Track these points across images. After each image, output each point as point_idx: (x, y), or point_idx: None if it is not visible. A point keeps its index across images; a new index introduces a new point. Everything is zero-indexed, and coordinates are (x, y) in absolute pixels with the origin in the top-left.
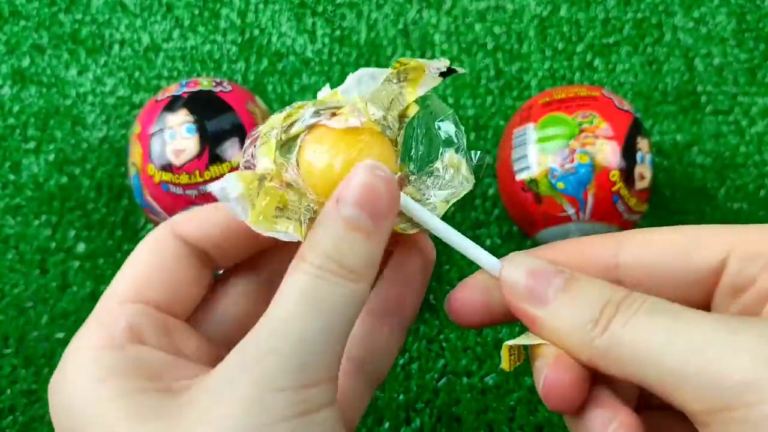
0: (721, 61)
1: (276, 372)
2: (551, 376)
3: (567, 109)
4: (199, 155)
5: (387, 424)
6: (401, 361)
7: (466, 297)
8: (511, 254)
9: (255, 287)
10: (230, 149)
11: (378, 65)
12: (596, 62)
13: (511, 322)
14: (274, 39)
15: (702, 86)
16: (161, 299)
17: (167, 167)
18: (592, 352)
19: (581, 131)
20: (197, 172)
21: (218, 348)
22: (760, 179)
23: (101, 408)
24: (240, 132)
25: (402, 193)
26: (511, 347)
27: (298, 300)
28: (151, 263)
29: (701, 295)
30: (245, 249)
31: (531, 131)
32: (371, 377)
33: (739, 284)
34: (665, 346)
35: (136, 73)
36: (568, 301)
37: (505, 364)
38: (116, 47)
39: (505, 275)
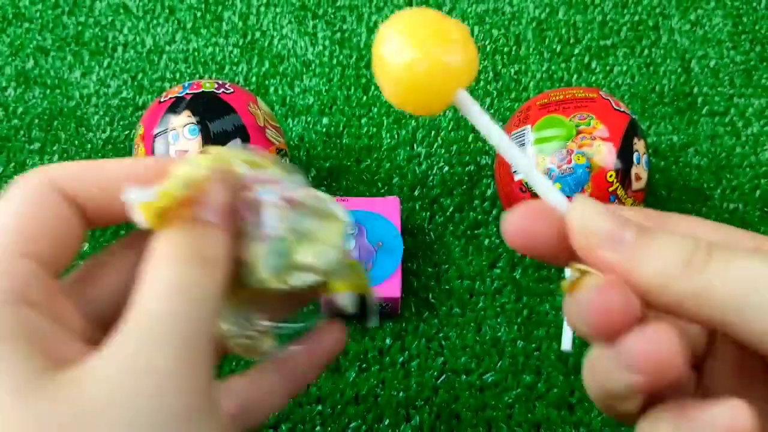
0: (718, 63)
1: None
2: (601, 295)
3: (564, 111)
4: None
5: (387, 422)
6: (401, 359)
7: (525, 224)
8: (577, 196)
9: (133, 261)
10: None
11: None
12: (593, 64)
13: (557, 264)
14: (275, 41)
15: (698, 88)
16: (46, 257)
17: None
18: (682, 293)
19: (578, 132)
20: None
21: (91, 322)
22: (756, 180)
23: None
24: (242, 133)
25: (467, 95)
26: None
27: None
28: (34, 214)
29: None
30: (121, 213)
31: (529, 132)
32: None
33: None
34: None
35: (140, 75)
36: (650, 245)
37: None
38: (120, 49)
39: (577, 214)
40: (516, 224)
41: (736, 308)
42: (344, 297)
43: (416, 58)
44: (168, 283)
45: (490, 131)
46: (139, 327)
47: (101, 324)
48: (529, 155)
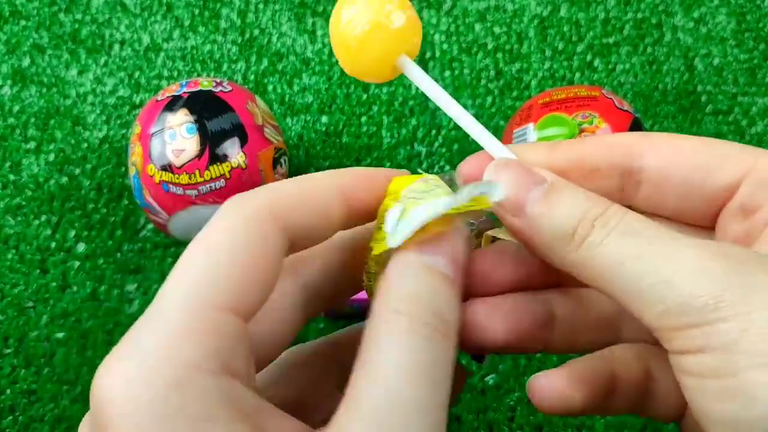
0: (721, 61)
1: None
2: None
3: (567, 109)
4: (199, 155)
5: None
6: None
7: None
8: (495, 160)
9: (294, 290)
10: (230, 149)
11: None
12: (596, 62)
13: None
14: (274, 39)
15: (702, 86)
16: (250, 308)
17: (167, 167)
18: (564, 263)
19: (581, 131)
20: (197, 172)
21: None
22: None
23: None
24: (240, 132)
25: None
26: (487, 236)
27: (408, 367)
28: (248, 254)
29: (709, 211)
30: (323, 236)
31: (531, 131)
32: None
33: (747, 207)
34: (637, 268)
35: (137, 73)
36: (545, 212)
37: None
38: (116, 47)
39: (490, 176)
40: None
41: (610, 286)
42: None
43: (352, 20)
44: (410, 361)
45: (435, 93)
46: (377, 409)
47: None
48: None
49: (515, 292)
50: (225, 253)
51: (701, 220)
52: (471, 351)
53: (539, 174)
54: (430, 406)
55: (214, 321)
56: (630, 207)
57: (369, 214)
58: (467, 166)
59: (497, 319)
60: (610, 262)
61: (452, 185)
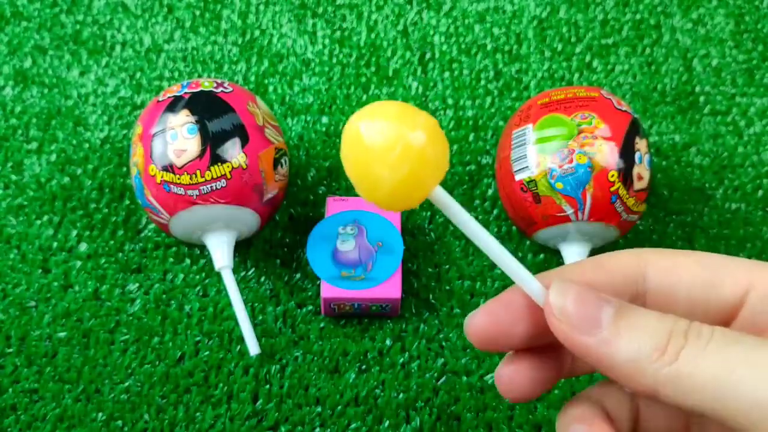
0: (720, 62)
1: None
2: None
3: (566, 110)
4: (200, 156)
5: (387, 423)
6: (401, 360)
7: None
8: (554, 281)
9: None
10: (231, 149)
11: (378, 66)
12: (595, 63)
13: (564, 378)
14: (274, 40)
15: (700, 87)
16: None
17: (169, 167)
18: (656, 380)
19: (580, 132)
20: (198, 173)
21: None
22: (758, 179)
23: None
24: (241, 132)
25: (443, 192)
26: None
27: None
28: None
29: (718, 324)
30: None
31: (530, 132)
32: None
33: (759, 324)
34: (751, 374)
35: (138, 74)
36: (626, 329)
37: None
38: (118, 48)
39: (554, 302)
40: (479, 326)
41: (712, 398)
42: None
43: (384, 146)
44: None
45: (468, 225)
46: None
47: None
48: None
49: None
50: None
51: None
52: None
53: (605, 295)
54: None
55: None
56: None
57: None
58: (477, 320)
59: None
60: (714, 372)
61: None
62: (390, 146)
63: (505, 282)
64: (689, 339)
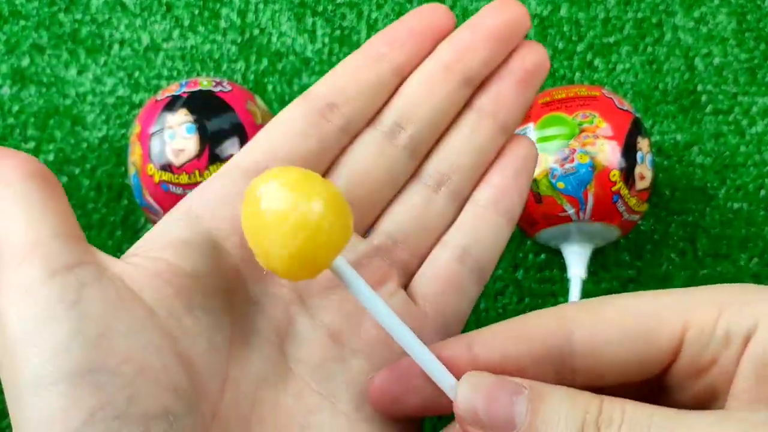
0: (722, 61)
1: None
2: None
3: (567, 109)
4: (198, 155)
5: None
6: None
7: (389, 385)
8: (465, 376)
9: None
10: (230, 149)
11: None
12: (596, 62)
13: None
14: (274, 39)
15: (702, 86)
16: None
17: (167, 167)
18: None
19: (581, 131)
20: (197, 172)
21: None
22: (760, 179)
23: None
24: (240, 132)
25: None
26: None
27: None
28: None
29: (657, 370)
30: None
31: (531, 131)
32: (475, 266)
33: (701, 364)
34: None
35: (136, 73)
36: (541, 427)
37: None
38: (116, 47)
39: (462, 402)
40: (381, 388)
41: None
42: None
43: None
44: None
45: (372, 303)
46: None
47: None
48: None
49: None
50: None
51: (647, 377)
52: None
53: (515, 381)
54: None
55: None
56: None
57: None
58: (379, 381)
59: None
60: None
61: None
62: (283, 215)
63: (505, 282)
64: (600, 429)
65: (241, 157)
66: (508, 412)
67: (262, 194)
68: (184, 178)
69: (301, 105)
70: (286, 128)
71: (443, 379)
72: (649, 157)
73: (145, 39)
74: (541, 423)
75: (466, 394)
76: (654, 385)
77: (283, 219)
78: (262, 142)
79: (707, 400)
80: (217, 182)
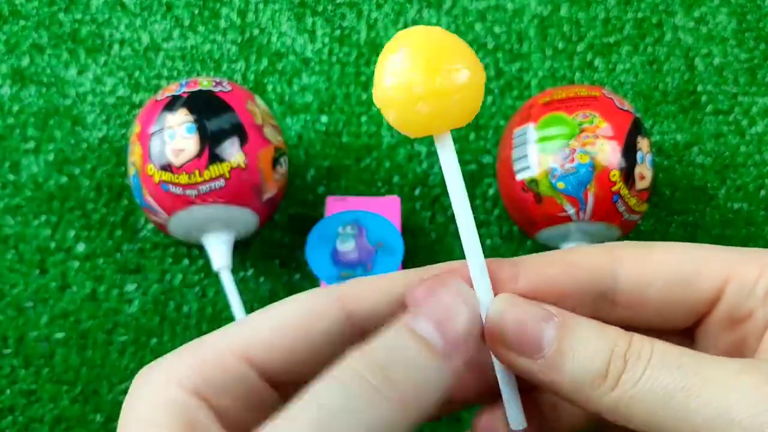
0: (722, 61)
1: None
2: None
3: (567, 109)
4: (198, 155)
5: None
6: None
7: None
8: (497, 298)
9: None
10: (230, 149)
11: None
12: (596, 62)
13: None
14: (273, 38)
15: (702, 86)
16: (277, 372)
17: (167, 167)
18: (600, 406)
19: (581, 131)
20: (197, 172)
21: None
22: (760, 179)
23: None
24: (240, 131)
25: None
26: None
27: (312, 418)
28: (297, 324)
29: (692, 320)
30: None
31: (531, 131)
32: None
33: (737, 316)
34: (688, 402)
35: (136, 73)
36: (567, 352)
37: None
38: (116, 47)
39: (491, 320)
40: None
41: (654, 423)
42: None
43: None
44: (328, 409)
45: (454, 181)
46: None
47: None
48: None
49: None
50: (269, 312)
51: (680, 327)
52: None
53: (546, 308)
54: None
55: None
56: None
57: None
58: (420, 292)
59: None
60: (654, 398)
61: None
62: (457, 58)
63: None
64: (628, 363)
65: None
66: (536, 336)
67: (443, 32)
68: (183, 178)
69: None
70: None
71: (483, 292)
72: (649, 157)
73: (145, 39)
74: (569, 350)
75: (497, 313)
76: (685, 339)
77: (454, 60)
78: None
79: (735, 356)
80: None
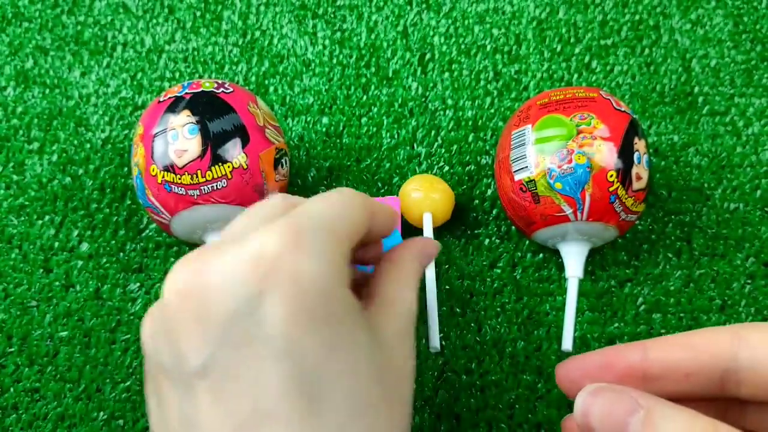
0: (718, 63)
1: None
2: None
3: (565, 111)
4: (201, 156)
5: None
6: None
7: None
8: (587, 386)
9: None
10: (232, 150)
11: (378, 67)
12: (594, 64)
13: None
14: (275, 41)
15: (699, 87)
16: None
17: (170, 168)
18: None
19: (579, 132)
20: (199, 173)
21: None
22: (756, 180)
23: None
24: (242, 133)
25: None
26: None
27: None
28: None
29: None
30: None
31: (529, 132)
32: None
33: None
34: None
35: (139, 75)
36: None
37: None
38: (119, 49)
39: (580, 410)
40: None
41: None
42: None
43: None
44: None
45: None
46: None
47: None
48: None
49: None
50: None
51: None
52: None
53: (633, 398)
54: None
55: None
56: (736, 399)
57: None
58: (565, 370)
59: None
60: None
61: None
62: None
63: (503, 281)
64: None
65: None
66: (623, 425)
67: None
68: (186, 179)
69: None
70: None
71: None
72: (645, 158)
73: (148, 41)
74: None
75: (584, 403)
76: None
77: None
78: None
79: None
80: None
